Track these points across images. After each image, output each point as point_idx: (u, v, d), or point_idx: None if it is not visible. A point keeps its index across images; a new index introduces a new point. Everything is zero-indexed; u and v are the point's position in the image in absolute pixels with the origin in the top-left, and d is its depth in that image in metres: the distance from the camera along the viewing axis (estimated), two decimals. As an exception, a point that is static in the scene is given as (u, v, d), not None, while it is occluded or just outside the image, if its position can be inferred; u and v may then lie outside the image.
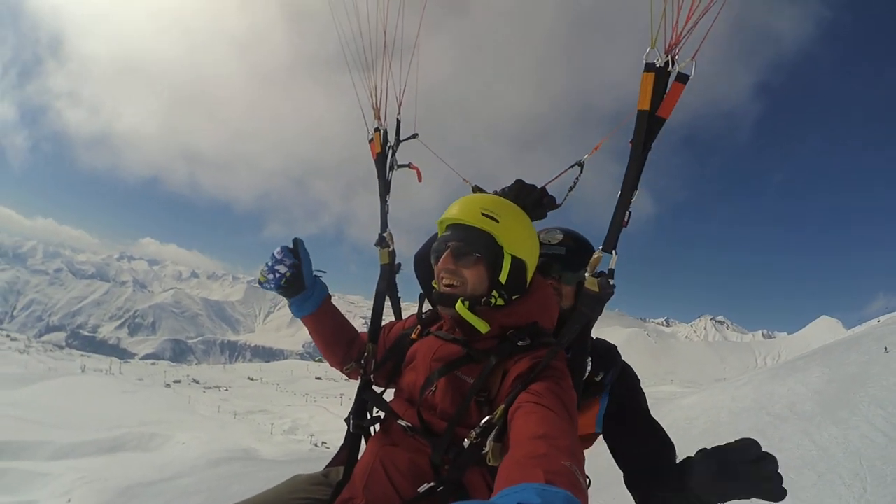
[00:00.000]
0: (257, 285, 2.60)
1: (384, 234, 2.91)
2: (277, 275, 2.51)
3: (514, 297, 2.22)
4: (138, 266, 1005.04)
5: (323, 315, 2.69)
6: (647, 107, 1.98)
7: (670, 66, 1.96)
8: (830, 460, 11.10)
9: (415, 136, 2.95)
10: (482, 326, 2.13)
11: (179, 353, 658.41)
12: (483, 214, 2.16)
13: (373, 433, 2.43)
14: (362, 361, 2.62)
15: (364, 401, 2.54)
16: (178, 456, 49.34)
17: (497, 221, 2.16)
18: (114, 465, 47.91)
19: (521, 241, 2.21)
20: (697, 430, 17.53)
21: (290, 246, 2.58)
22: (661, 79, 1.96)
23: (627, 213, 2.08)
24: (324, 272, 2.70)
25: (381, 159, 2.98)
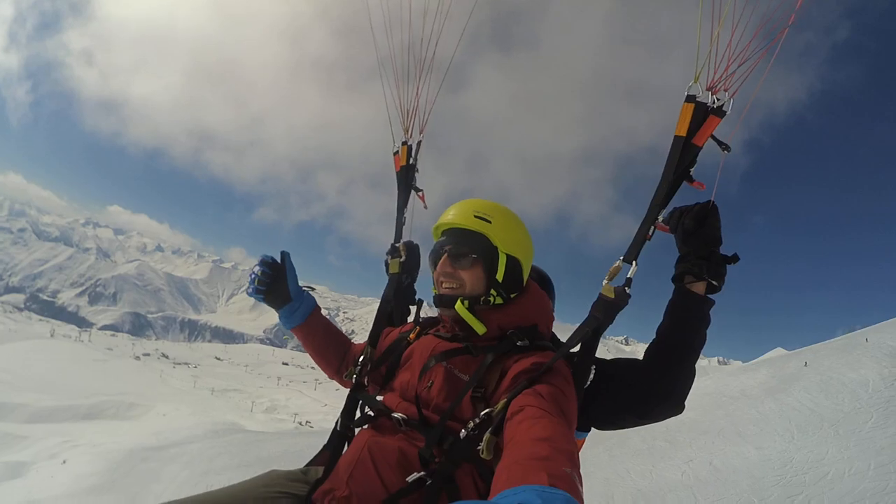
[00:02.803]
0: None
1: (397, 245, 3.01)
2: (253, 275, 2.64)
3: (511, 295, 2.33)
4: (103, 234, 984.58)
5: (312, 326, 2.78)
6: (683, 133, 2.14)
7: (710, 100, 2.12)
8: (769, 422, 16.43)
9: (419, 190, 3.07)
10: (479, 328, 2.22)
11: (139, 326, 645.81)
12: (476, 217, 2.28)
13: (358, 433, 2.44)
14: (358, 365, 2.63)
15: (356, 400, 2.55)
16: (167, 425, 48.79)
17: (489, 222, 2.28)
18: (99, 431, 47.31)
19: (514, 240, 2.32)
20: None
21: (274, 257, 2.69)
22: (699, 111, 2.12)
23: (652, 227, 2.20)
24: (313, 288, 2.82)
25: (403, 172, 3.08)
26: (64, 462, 35.03)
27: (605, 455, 15.42)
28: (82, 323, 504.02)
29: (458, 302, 2.23)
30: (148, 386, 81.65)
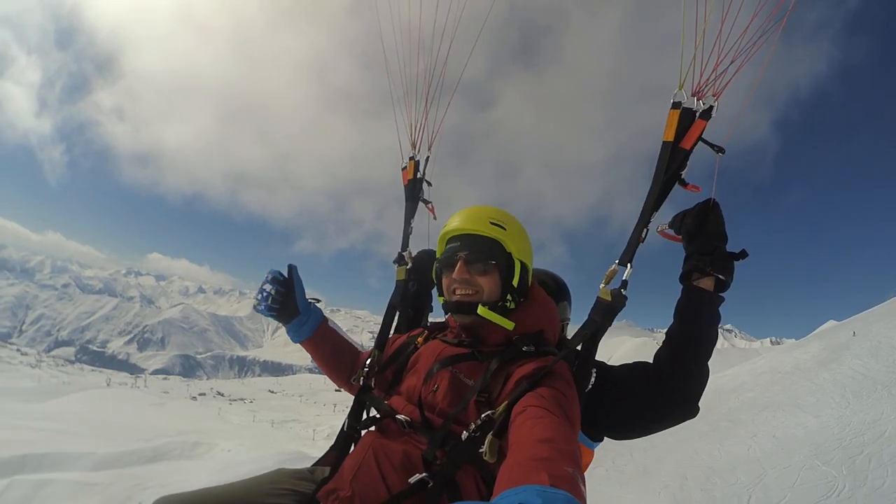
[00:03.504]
0: (254, 310, 2.67)
1: (404, 253, 3.04)
2: (265, 293, 2.61)
3: (521, 300, 2.32)
4: (145, 281, 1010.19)
5: (321, 339, 2.76)
6: (670, 139, 2.16)
7: (695, 105, 2.14)
8: (825, 391, 17.42)
9: (428, 202, 3.12)
10: (508, 324, 2.21)
11: (189, 368, 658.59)
12: (492, 223, 2.27)
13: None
14: (365, 368, 2.63)
15: (362, 403, 2.56)
16: (233, 460, 48.55)
17: (504, 229, 2.28)
18: (167, 472, 47.01)
19: (525, 246, 2.34)
20: (728, 388, 23.29)
21: (281, 271, 2.67)
22: (686, 116, 2.15)
23: (645, 230, 2.21)
24: (318, 300, 2.79)
25: (411, 186, 3.13)
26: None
27: (672, 440, 15.60)
28: (133, 369, 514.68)
29: (480, 306, 2.21)
30: (208, 424, 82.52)
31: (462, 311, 2.27)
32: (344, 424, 2.54)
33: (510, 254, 2.27)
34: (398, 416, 2.16)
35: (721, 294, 2.24)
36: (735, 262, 2.26)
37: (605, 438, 2.56)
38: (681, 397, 2.20)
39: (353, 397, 2.63)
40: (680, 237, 2.32)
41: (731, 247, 2.27)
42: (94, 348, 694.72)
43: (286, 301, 2.65)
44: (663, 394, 2.21)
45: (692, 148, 2.15)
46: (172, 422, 78.71)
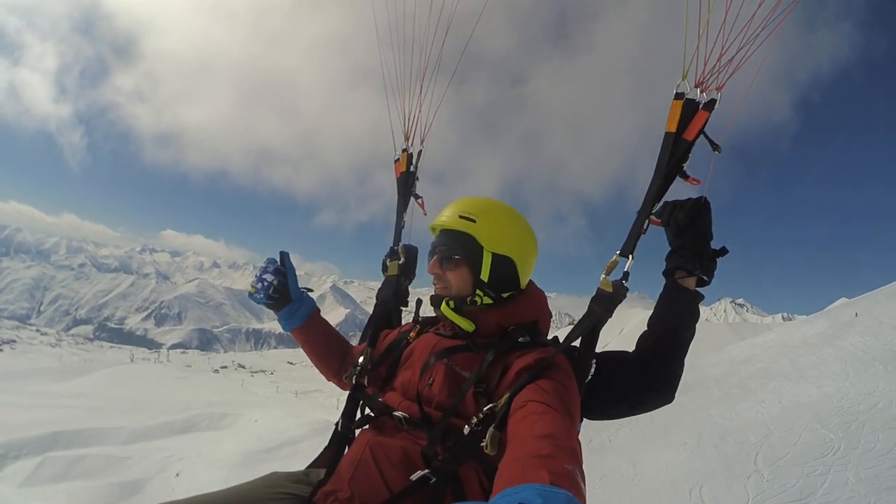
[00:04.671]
0: (248, 298, 2.61)
1: (396, 248, 3.02)
2: (265, 283, 2.55)
3: (505, 295, 2.27)
4: (160, 258, 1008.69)
5: (312, 328, 2.69)
6: (673, 129, 2.16)
7: (698, 96, 2.14)
8: (827, 365, 18.43)
9: (418, 197, 3.08)
10: (467, 325, 2.19)
11: (206, 341, 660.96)
12: (461, 217, 2.23)
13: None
14: (358, 367, 2.52)
15: (356, 401, 2.47)
16: (264, 429, 49.37)
17: (474, 222, 2.21)
18: (199, 443, 48.04)
19: (504, 238, 2.24)
20: (740, 359, 24.71)
21: (276, 259, 2.63)
22: (689, 107, 2.14)
23: (647, 221, 2.21)
24: (311, 290, 2.75)
25: (403, 179, 3.10)
26: (177, 475, 35.71)
27: (690, 405, 17.01)
28: (152, 345, 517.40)
29: (444, 303, 2.23)
30: (232, 396, 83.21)
31: (433, 304, 2.32)
32: (338, 424, 2.49)
33: (482, 247, 2.22)
34: (395, 413, 2.13)
35: (700, 292, 2.31)
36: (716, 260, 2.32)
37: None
38: (664, 388, 2.28)
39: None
40: (663, 224, 2.33)
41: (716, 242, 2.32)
42: (112, 325, 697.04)
43: (283, 286, 2.61)
44: (650, 385, 2.28)
45: (694, 140, 2.14)
46: (198, 395, 79.33)
